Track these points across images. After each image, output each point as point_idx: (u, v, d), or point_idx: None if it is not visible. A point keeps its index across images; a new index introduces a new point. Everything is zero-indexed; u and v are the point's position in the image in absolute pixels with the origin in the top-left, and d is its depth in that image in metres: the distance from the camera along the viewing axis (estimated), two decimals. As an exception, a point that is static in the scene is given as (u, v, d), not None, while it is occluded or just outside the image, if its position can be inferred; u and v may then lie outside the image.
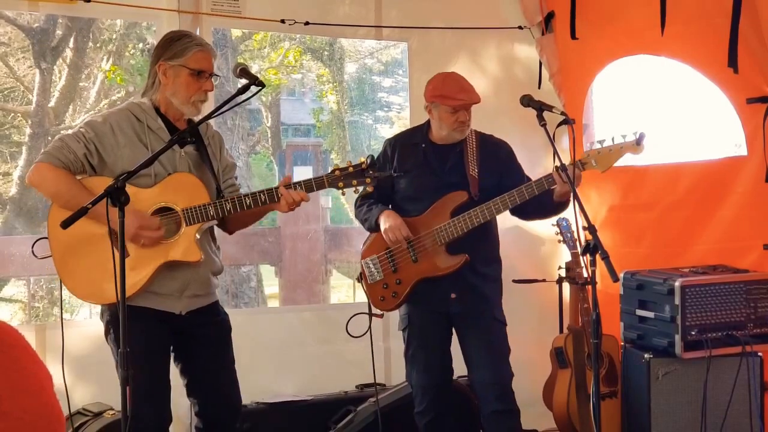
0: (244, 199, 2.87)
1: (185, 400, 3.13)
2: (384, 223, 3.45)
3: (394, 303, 3.53)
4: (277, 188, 2.87)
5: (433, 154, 3.54)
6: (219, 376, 3.04)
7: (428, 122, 3.61)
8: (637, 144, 3.20)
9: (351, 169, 2.86)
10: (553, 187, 3.32)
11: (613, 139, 3.24)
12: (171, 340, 2.96)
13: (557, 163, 3.16)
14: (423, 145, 3.56)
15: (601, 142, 3.26)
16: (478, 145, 3.55)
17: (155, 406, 2.82)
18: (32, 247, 2.91)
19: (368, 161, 2.87)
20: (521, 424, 3.56)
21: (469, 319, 3.52)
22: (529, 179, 3.58)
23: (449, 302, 3.50)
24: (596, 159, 3.26)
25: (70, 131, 2.94)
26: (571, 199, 3.18)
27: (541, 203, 3.42)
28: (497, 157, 3.59)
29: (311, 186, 2.89)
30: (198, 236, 2.86)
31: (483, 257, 3.53)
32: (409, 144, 3.62)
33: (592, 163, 3.26)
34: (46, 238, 2.88)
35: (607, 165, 3.26)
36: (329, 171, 2.90)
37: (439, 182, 3.50)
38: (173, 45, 2.90)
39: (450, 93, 3.43)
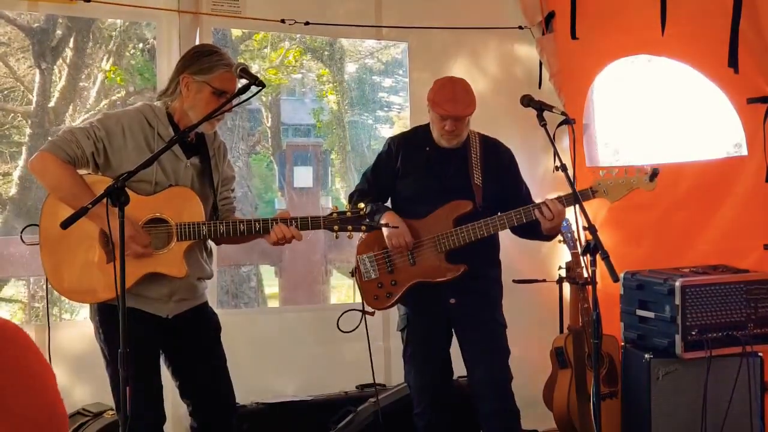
0: (239, 224, 2.88)
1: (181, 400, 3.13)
2: (387, 228, 3.43)
3: (388, 303, 3.52)
4: (274, 220, 2.89)
5: (437, 158, 3.53)
6: (210, 375, 3.04)
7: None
8: (650, 180, 3.24)
9: (349, 214, 2.88)
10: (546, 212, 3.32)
11: (626, 171, 3.28)
12: (160, 339, 2.96)
13: (557, 163, 3.16)
14: (427, 148, 3.55)
15: (613, 171, 3.29)
16: (481, 151, 3.54)
17: (148, 404, 2.82)
18: (21, 232, 2.90)
19: (367, 209, 2.91)
20: (521, 425, 3.55)
21: (468, 320, 3.51)
22: (527, 189, 3.62)
23: (449, 307, 3.50)
24: (607, 189, 3.30)
25: (80, 123, 2.92)
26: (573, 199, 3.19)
27: (531, 229, 3.43)
28: (501, 164, 3.59)
29: (306, 225, 2.90)
30: (186, 252, 2.86)
31: (483, 260, 3.53)
32: (414, 145, 3.60)
33: (603, 192, 3.30)
34: (36, 225, 2.87)
35: (617, 196, 3.31)
36: (328, 213, 2.92)
37: (441, 187, 3.49)
38: (201, 60, 2.88)
39: (439, 100, 3.42)
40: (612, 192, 3.30)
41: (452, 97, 3.41)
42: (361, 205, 2.91)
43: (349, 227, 2.88)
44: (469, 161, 3.52)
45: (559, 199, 3.32)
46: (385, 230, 3.44)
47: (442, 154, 3.53)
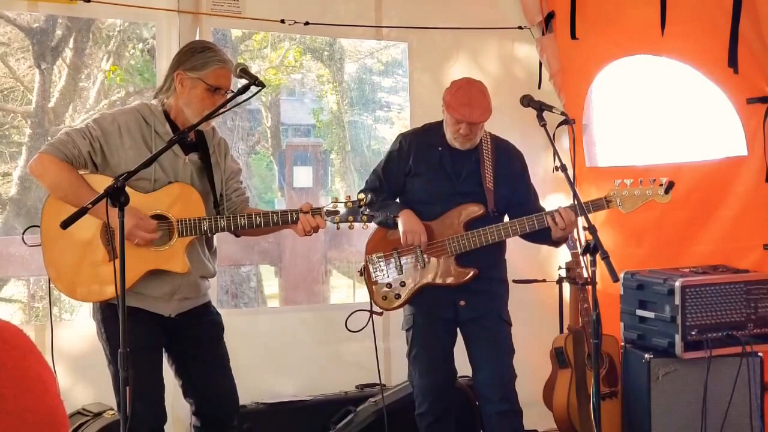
0: (239, 219, 2.90)
1: (185, 400, 3.13)
2: (404, 224, 3.41)
3: (396, 304, 3.52)
4: (275, 213, 2.90)
5: (449, 160, 3.51)
6: (213, 375, 3.04)
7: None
8: (666, 193, 3.26)
9: (350, 204, 2.89)
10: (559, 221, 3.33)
11: (641, 182, 3.30)
12: (162, 339, 2.96)
13: (557, 163, 3.16)
14: (440, 148, 3.52)
15: (627, 181, 3.31)
16: (493, 153, 3.52)
17: (148, 404, 2.82)
18: (23, 234, 2.91)
19: (367, 199, 2.92)
20: (523, 425, 3.56)
21: (475, 320, 3.52)
22: (536, 193, 3.62)
23: (458, 309, 3.50)
24: (621, 199, 3.32)
25: (77, 125, 2.93)
26: (573, 199, 3.20)
27: (539, 234, 3.44)
28: (512, 168, 3.58)
29: None
30: (188, 248, 2.87)
31: (492, 261, 3.53)
32: (426, 144, 3.56)
33: (617, 202, 3.31)
34: (37, 226, 2.87)
35: (631, 207, 3.33)
36: (329, 203, 2.93)
37: (453, 189, 3.48)
38: (195, 56, 2.89)
39: (455, 104, 3.38)
40: (626, 203, 3.31)
41: (468, 101, 3.36)
42: (362, 195, 2.91)
43: (350, 217, 2.89)
44: (482, 164, 3.50)
45: (572, 207, 3.30)
46: (401, 226, 3.42)
47: (454, 155, 3.51)
